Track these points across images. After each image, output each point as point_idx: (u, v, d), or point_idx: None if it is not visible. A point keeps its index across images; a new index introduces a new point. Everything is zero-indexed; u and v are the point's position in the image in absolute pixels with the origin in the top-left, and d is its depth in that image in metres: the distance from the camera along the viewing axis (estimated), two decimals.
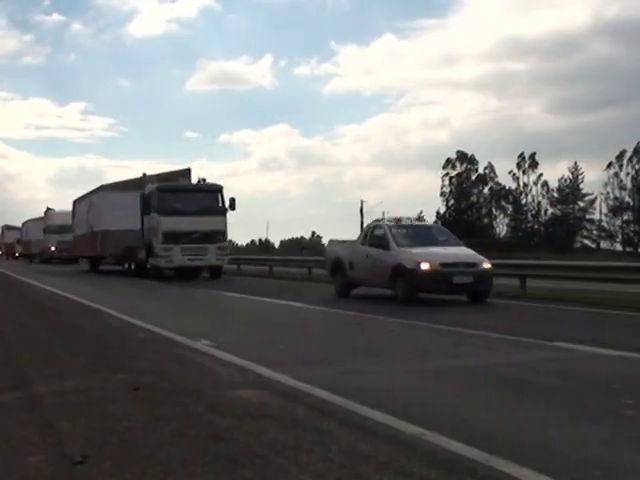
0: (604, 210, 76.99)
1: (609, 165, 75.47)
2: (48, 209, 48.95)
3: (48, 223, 48.37)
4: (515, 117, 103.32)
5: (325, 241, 64.52)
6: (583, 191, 78.87)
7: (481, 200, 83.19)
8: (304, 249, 60.09)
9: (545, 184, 79.81)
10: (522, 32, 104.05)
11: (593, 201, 78.12)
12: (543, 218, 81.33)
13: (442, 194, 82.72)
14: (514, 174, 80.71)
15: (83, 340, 8.93)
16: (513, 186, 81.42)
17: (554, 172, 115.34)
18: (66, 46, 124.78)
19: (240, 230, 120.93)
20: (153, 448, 4.08)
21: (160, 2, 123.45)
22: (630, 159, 75.23)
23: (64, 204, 47.83)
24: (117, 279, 26.33)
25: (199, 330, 9.39)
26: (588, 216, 79.11)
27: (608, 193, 76.27)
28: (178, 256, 23.61)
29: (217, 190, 25.13)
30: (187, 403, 5.18)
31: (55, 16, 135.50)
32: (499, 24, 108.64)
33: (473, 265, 13.92)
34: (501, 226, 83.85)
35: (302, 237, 72.91)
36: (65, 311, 13.10)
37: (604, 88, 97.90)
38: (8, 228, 74.61)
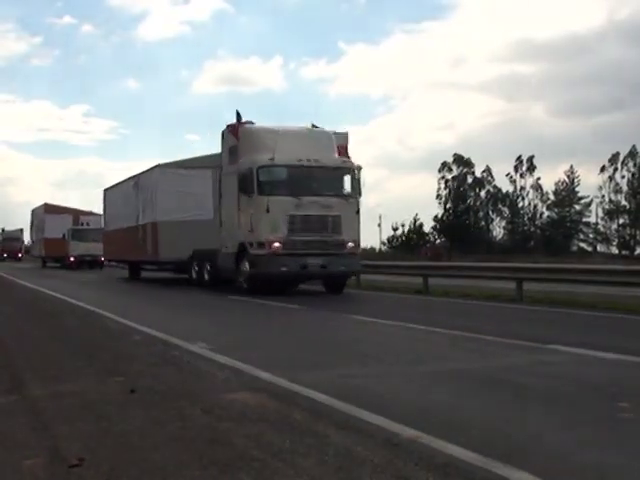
0: (600, 213, 77.12)
1: (602, 169, 75.69)
2: (239, 121, 17.48)
3: (267, 163, 16.20)
4: (521, 120, 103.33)
5: None
6: (580, 194, 79.12)
7: (478, 203, 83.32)
8: None
9: (539, 187, 79.96)
10: (531, 34, 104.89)
11: (589, 204, 78.26)
12: (540, 221, 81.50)
13: (438, 197, 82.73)
14: (511, 177, 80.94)
15: None
16: (510, 189, 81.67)
17: (557, 175, 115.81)
18: (71, 49, 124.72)
19: None
20: (149, 451, 4.07)
21: (170, 4, 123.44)
22: (624, 162, 75.42)
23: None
24: None
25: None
26: (584, 219, 79.36)
27: (603, 196, 76.46)
28: None
29: None
30: (183, 406, 5.17)
31: (63, 18, 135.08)
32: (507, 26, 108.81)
33: None
34: (498, 229, 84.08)
35: None
36: None
37: (610, 91, 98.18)
38: (50, 210, 43.21)
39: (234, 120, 17.75)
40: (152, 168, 23.26)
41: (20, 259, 54.49)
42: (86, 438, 4.35)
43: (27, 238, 56.21)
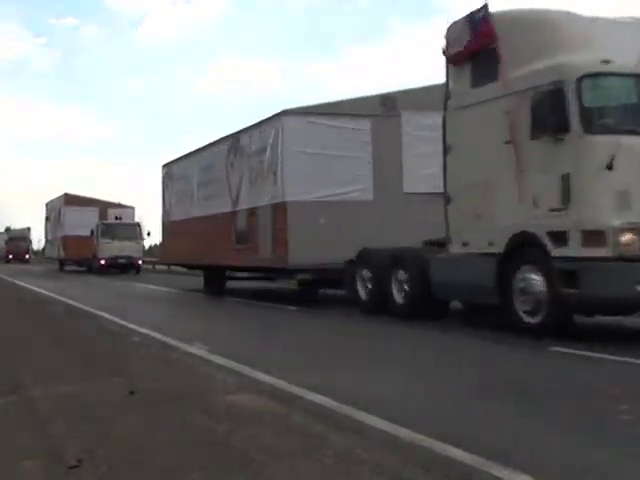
0: None
1: None
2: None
3: None
4: None
5: None
6: None
7: None
8: None
9: None
10: None
11: None
12: None
13: None
14: None
15: None
16: None
17: None
18: (72, 49, 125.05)
19: None
20: (148, 453, 4.07)
21: (172, 4, 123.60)
22: None
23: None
24: None
25: None
26: None
27: None
28: None
29: None
30: (183, 407, 5.16)
31: (65, 19, 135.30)
32: None
33: None
34: None
35: None
36: None
37: None
38: (71, 201, 35.53)
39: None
40: (273, 116, 14.16)
41: (27, 261, 50.38)
42: (85, 439, 4.35)
43: (37, 237, 51.97)
